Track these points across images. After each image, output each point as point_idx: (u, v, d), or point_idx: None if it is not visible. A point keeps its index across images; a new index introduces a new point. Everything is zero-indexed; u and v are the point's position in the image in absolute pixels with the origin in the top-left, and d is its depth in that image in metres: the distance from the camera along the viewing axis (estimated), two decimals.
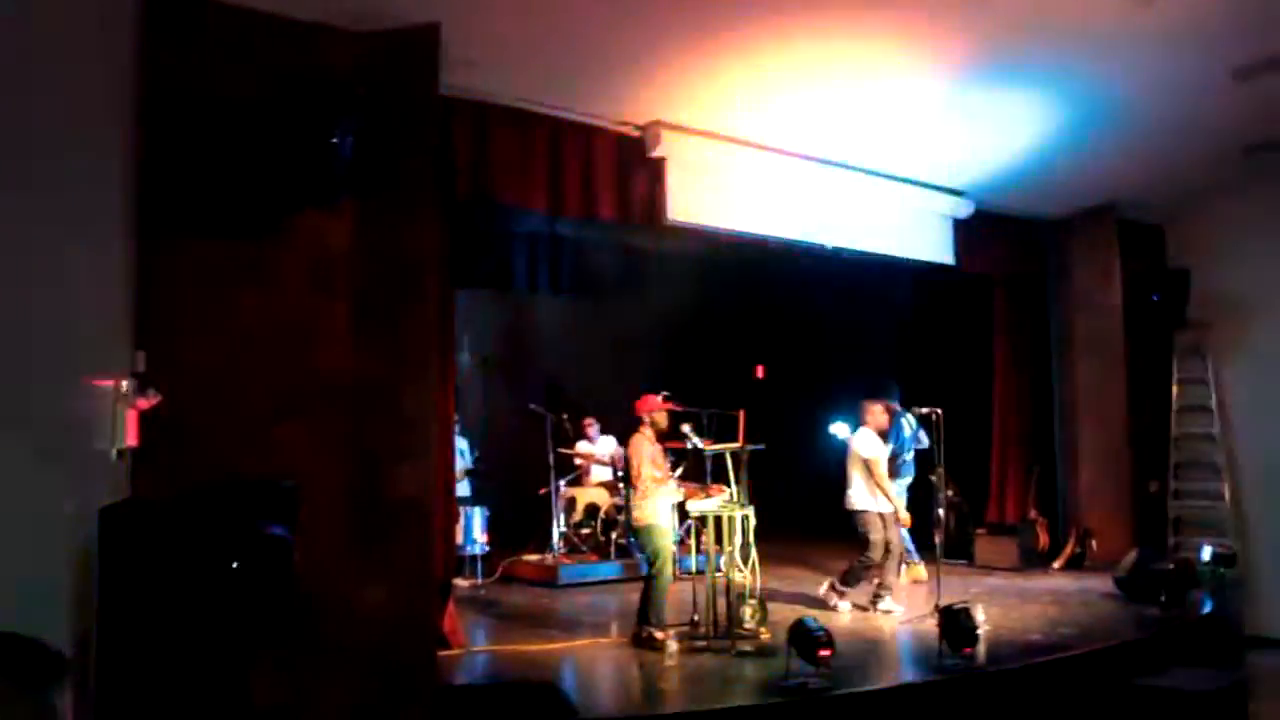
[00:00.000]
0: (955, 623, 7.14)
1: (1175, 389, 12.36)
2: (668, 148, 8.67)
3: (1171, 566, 9.58)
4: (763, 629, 7.89)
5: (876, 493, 9.04)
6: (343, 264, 6.29)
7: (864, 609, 9.06)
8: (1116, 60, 8.19)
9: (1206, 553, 10.40)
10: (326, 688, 5.58)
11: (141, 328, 5.48)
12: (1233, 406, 12.07)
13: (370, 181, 6.20)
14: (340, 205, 6.18)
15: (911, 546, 10.35)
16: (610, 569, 10.69)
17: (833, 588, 9.21)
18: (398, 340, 6.46)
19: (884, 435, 9.46)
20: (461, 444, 10.55)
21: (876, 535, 8.97)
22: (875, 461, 9.05)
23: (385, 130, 6.29)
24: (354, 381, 6.18)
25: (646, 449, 8.01)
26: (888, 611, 8.93)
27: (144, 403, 4.88)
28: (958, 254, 11.06)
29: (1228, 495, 11.95)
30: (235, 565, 4.03)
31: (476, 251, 9.73)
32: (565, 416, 11.47)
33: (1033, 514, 12.05)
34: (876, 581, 9.10)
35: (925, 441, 10.17)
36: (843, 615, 8.92)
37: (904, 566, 10.02)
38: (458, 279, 8.23)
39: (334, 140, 5.72)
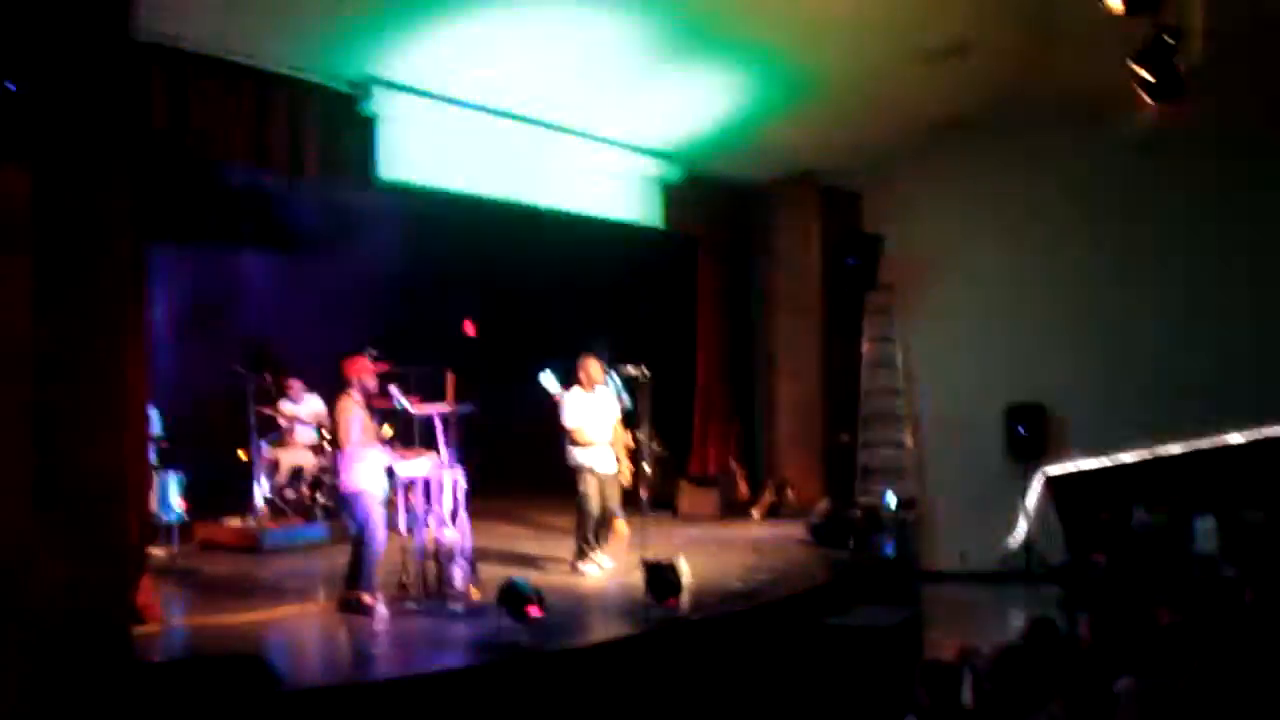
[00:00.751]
0: (659, 575, 7.38)
1: (866, 346, 13.15)
2: (380, 105, 8.48)
3: (859, 513, 10.22)
4: (473, 589, 7.89)
5: (592, 449, 9.12)
6: (22, 220, 5.81)
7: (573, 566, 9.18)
8: (816, 38, 8.62)
9: (890, 498, 11.15)
10: (8, 675, 5.22)
11: None
12: (914, 362, 12.98)
13: (53, 131, 5.75)
14: (19, 157, 5.70)
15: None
16: (317, 532, 10.42)
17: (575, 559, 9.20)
18: (84, 301, 6.03)
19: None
20: (150, 411, 10.02)
21: (587, 488, 9.07)
22: (576, 431, 9.10)
23: (70, 75, 5.84)
24: (36, 346, 5.75)
25: (354, 412, 7.81)
26: (597, 568, 9.11)
27: None
28: (667, 216, 11.36)
29: (909, 444, 12.87)
30: None
31: (176, 205, 9.24)
32: (269, 377, 11.05)
33: (733, 465, 12.59)
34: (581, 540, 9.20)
35: (627, 401, 10.37)
36: (590, 577, 8.98)
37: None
38: (154, 233, 7.79)
39: (8, 86, 5.27)
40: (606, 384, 9.40)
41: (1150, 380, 11.55)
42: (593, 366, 9.25)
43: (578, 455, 9.13)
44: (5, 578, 5.19)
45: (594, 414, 9.21)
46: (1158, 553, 9.32)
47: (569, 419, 9.12)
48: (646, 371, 9.09)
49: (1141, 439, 11.57)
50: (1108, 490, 11.23)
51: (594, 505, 9.12)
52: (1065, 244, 12.08)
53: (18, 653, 5.27)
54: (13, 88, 5.15)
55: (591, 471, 9.11)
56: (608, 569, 9.12)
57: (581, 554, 9.15)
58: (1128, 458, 11.64)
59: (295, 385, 11.36)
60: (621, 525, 10.47)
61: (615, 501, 9.38)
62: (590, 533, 9.17)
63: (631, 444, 9.75)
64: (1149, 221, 11.70)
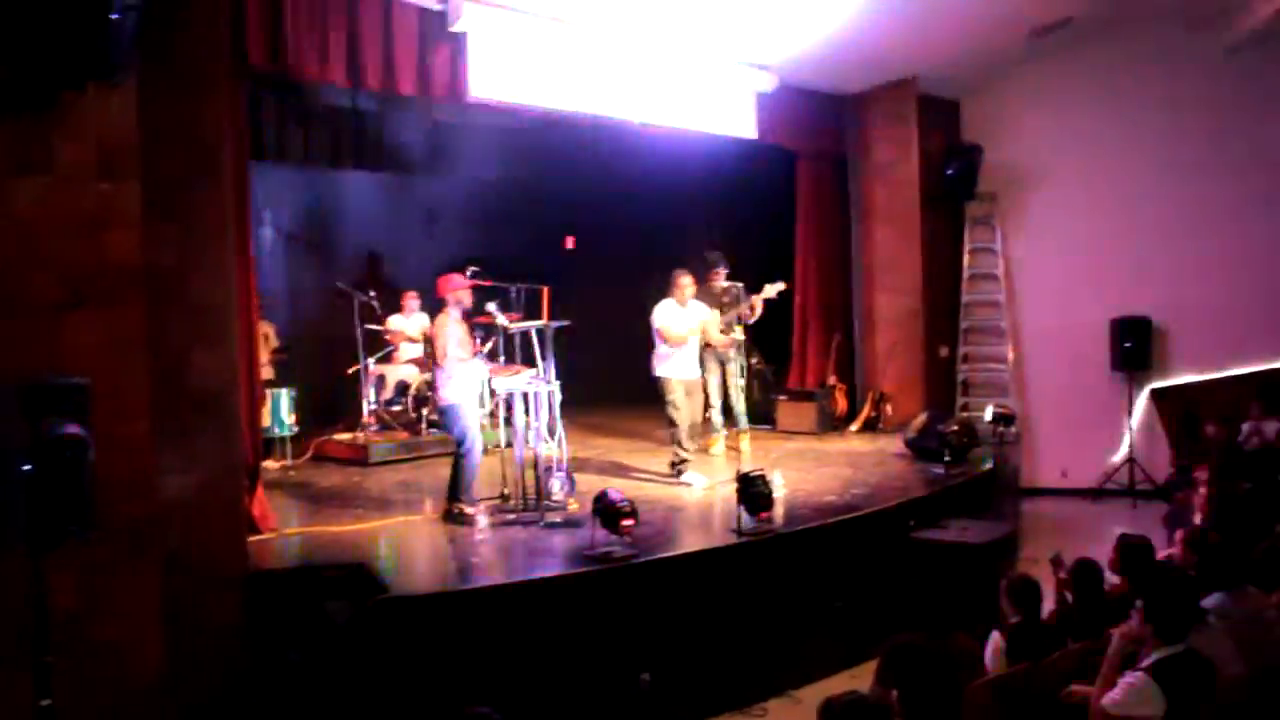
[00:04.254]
0: (751, 488, 7.43)
1: (966, 258, 12.97)
2: (469, 22, 8.52)
3: (956, 427, 10.14)
4: (571, 500, 8.08)
5: (675, 359, 9.31)
6: (129, 145, 5.99)
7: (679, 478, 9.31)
8: None
9: (989, 413, 11.07)
10: (134, 584, 5.50)
11: None
12: (1016, 274, 12.78)
13: (156, 56, 5.92)
14: (124, 82, 5.87)
15: (720, 417, 10.62)
16: (422, 445, 10.73)
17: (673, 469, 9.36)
18: (191, 223, 6.23)
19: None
20: (266, 327, 10.34)
21: (672, 396, 9.27)
22: (663, 330, 9.29)
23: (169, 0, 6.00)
24: (147, 269, 5.96)
25: (451, 329, 8.01)
26: (688, 483, 9.19)
27: None
28: (761, 128, 11.25)
29: (1010, 357, 12.73)
30: (27, 467, 3.94)
31: (278, 126, 9.43)
32: (374, 294, 11.30)
33: (832, 379, 12.56)
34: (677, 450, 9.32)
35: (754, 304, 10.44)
36: (689, 488, 9.10)
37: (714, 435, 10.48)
38: (257, 153, 8.01)
39: (113, 15, 5.41)
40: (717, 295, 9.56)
41: (1260, 293, 11.22)
42: (682, 282, 9.38)
43: (660, 366, 9.34)
44: (135, 493, 5.45)
45: (682, 324, 9.36)
46: (1264, 468, 9.13)
47: (656, 320, 9.34)
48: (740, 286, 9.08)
49: (1250, 353, 11.27)
50: (1215, 405, 11.00)
51: (684, 415, 9.27)
52: (1172, 153, 11.68)
53: (148, 567, 5.56)
54: (116, 15, 5.27)
55: (678, 380, 9.30)
56: (702, 483, 9.19)
57: (681, 463, 9.28)
58: (1236, 372, 11.36)
59: (410, 299, 11.55)
60: (716, 440, 10.57)
61: (698, 413, 9.65)
62: (686, 441, 9.30)
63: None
64: (1262, 127, 11.25)
